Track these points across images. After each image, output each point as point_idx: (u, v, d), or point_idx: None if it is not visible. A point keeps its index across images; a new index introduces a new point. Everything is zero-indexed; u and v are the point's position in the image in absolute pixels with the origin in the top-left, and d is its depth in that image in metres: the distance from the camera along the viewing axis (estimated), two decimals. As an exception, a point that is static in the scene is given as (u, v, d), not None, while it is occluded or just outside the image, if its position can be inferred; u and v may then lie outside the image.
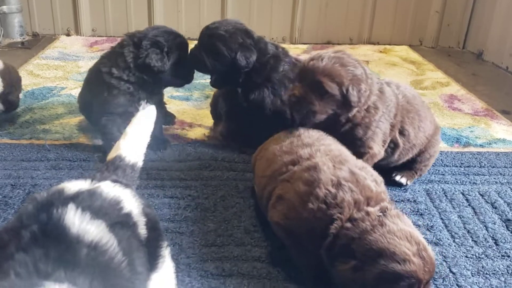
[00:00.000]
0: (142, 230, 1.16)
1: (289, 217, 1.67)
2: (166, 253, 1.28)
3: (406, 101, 2.22)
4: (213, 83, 2.56)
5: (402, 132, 2.21)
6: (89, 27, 4.80)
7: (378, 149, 2.15)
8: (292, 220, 1.66)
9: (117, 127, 2.38)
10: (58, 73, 3.71)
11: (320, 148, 1.82)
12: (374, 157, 2.17)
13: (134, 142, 1.43)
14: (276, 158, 1.87)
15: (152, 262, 1.20)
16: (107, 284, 0.92)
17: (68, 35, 4.77)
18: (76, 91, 3.27)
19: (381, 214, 1.53)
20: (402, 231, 1.48)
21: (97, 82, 2.48)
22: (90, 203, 1.05)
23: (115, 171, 1.34)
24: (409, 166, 2.35)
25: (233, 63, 2.41)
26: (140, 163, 1.44)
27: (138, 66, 2.39)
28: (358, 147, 2.11)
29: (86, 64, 3.85)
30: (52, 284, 0.85)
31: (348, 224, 1.52)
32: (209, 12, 4.78)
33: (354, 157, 1.85)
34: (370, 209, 1.54)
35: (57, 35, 4.74)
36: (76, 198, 1.04)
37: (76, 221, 0.98)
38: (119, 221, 1.08)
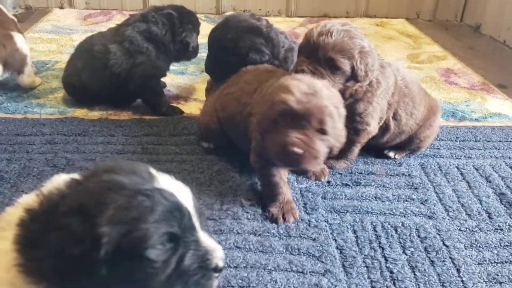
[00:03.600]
0: None
1: None
2: None
3: (404, 84, 2.20)
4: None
5: (394, 116, 2.20)
6: (82, 0, 4.73)
7: (374, 126, 2.15)
8: None
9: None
10: (52, 46, 3.66)
11: None
12: (369, 134, 2.17)
13: None
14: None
15: None
16: None
17: (61, 8, 4.69)
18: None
19: None
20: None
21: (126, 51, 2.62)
22: None
23: None
24: (400, 147, 2.36)
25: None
26: None
27: (175, 41, 2.67)
28: (356, 123, 2.10)
29: (80, 38, 3.78)
30: None
31: None
32: (204, -16, 4.71)
33: None
34: None
35: (50, 8, 4.65)
36: None
37: None
38: None
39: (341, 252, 1.76)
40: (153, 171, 1.15)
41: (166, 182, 1.12)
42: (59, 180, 1.12)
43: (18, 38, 2.81)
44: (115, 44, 2.62)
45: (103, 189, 1.03)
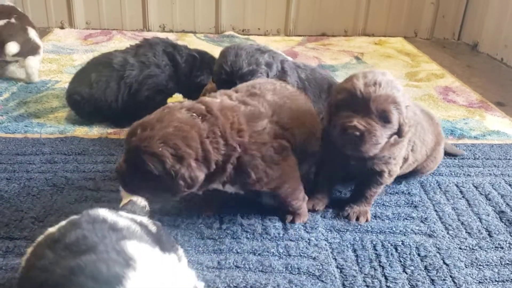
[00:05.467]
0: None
1: None
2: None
3: (414, 111, 2.10)
4: None
5: (412, 148, 2.09)
6: (83, 19, 4.77)
7: (398, 167, 2.05)
8: None
9: None
10: (52, 66, 3.69)
11: None
12: (394, 176, 2.05)
13: None
14: None
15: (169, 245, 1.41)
16: None
17: (62, 28, 4.74)
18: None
19: None
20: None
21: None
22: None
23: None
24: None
25: None
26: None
27: (189, 78, 2.86)
28: (381, 165, 1.97)
29: (80, 57, 3.85)
30: None
31: None
32: (204, 3, 4.77)
33: None
34: None
35: (50, 28, 4.71)
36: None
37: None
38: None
39: (341, 271, 1.75)
40: None
41: None
42: None
43: (31, 31, 3.40)
44: (135, 57, 2.78)
45: None
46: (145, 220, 1.44)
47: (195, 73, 2.87)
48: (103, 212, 1.34)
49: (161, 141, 1.60)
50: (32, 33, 3.41)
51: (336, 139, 1.82)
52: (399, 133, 1.82)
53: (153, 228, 1.41)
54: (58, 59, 3.85)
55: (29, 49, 3.34)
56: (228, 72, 2.23)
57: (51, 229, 1.33)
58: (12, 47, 3.22)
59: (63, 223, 1.33)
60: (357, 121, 1.75)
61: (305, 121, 1.97)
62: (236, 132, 1.73)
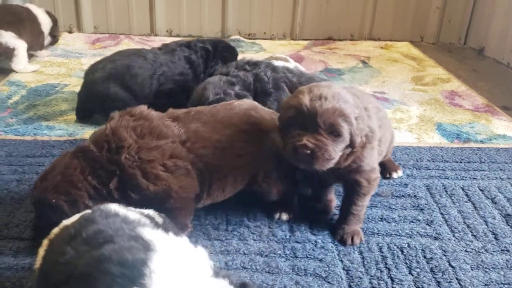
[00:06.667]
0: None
1: None
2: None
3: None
4: None
5: (379, 144, 2.03)
6: (91, 24, 4.82)
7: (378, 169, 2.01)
8: None
9: None
10: (61, 70, 3.73)
11: None
12: (378, 179, 2.00)
13: None
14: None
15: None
16: None
17: (70, 32, 4.78)
18: (79, 88, 3.29)
19: None
20: None
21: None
22: None
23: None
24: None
25: None
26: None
27: (206, 72, 3.01)
28: (364, 174, 1.93)
29: (89, 61, 3.87)
30: None
31: None
32: (210, 8, 4.80)
33: None
34: None
35: (59, 32, 4.75)
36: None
37: None
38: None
39: (347, 273, 1.77)
40: None
41: None
42: None
43: (5, 34, 3.50)
44: (169, 55, 2.98)
45: None
46: (151, 212, 1.51)
47: (210, 64, 3.05)
48: (114, 207, 1.41)
49: (53, 191, 1.72)
50: (6, 36, 3.49)
51: (289, 158, 1.79)
52: (351, 144, 1.77)
53: (159, 220, 1.48)
54: (66, 63, 3.89)
55: (3, 53, 3.52)
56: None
57: (65, 222, 1.40)
58: None
59: (77, 219, 1.38)
60: (307, 139, 1.71)
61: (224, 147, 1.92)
62: (115, 149, 1.77)
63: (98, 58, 3.77)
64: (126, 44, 4.48)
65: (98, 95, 2.77)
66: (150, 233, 1.24)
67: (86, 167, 1.76)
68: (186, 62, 3.00)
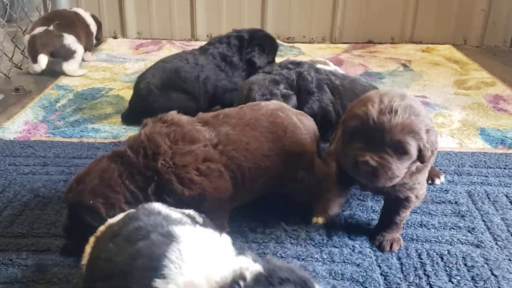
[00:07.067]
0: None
1: None
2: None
3: None
4: None
5: None
6: (134, 30, 4.96)
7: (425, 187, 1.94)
8: None
9: None
10: (106, 74, 3.86)
11: None
12: (421, 197, 1.93)
13: None
14: None
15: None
16: None
17: (115, 37, 4.93)
18: (123, 92, 3.41)
19: None
20: None
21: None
22: None
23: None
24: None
25: None
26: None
27: (242, 60, 3.07)
28: (408, 191, 1.86)
29: (132, 66, 4.00)
30: None
31: None
32: (250, 14, 4.85)
33: None
34: None
35: (104, 38, 4.90)
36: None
37: None
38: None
39: (385, 279, 1.76)
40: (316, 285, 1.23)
41: None
42: (245, 267, 1.18)
43: (68, 37, 3.75)
44: (203, 57, 3.04)
45: None
46: (192, 212, 1.58)
47: (244, 51, 3.07)
48: (158, 206, 1.48)
49: (91, 194, 1.76)
50: (69, 39, 3.73)
51: (349, 170, 1.73)
52: (421, 159, 1.67)
53: (199, 219, 1.55)
54: (111, 67, 4.02)
55: (64, 54, 3.73)
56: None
57: (111, 221, 1.49)
58: (42, 61, 3.58)
59: (122, 217, 1.45)
60: (370, 156, 1.62)
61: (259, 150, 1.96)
62: (151, 156, 1.82)
63: (141, 63, 3.90)
64: (168, 49, 4.59)
65: (156, 104, 2.83)
66: (180, 229, 1.29)
67: (124, 172, 1.80)
68: (220, 58, 3.04)
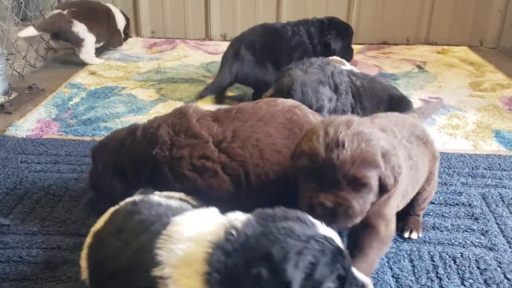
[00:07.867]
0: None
1: None
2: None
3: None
4: None
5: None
6: (148, 29, 4.98)
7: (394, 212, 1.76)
8: None
9: None
10: (119, 73, 3.88)
11: None
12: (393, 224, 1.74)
13: None
14: None
15: None
16: None
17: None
18: (136, 91, 3.42)
19: None
20: None
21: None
22: None
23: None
24: (407, 212, 1.98)
25: None
26: None
27: (320, 43, 3.42)
28: (377, 219, 1.65)
29: (146, 65, 4.02)
30: None
31: None
32: (264, 13, 4.84)
33: None
34: None
35: (130, 32, 4.91)
36: None
37: None
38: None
39: (396, 281, 1.73)
40: (310, 218, 1.26)
41: (323, 228, 1.24)
42: (234, 219, 1.24)
43: (78, 25, 3.93)
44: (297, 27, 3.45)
45: (283, 236, 1.15)
46: (183, 195, 1.68)
47: (323, 34, 3.43)
48: (156, 197, 1.53)
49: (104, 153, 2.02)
50: (79, 27, 3.91)
51: (306, 212, 1.47)
52: (383, 189, 1.51)
53: (194, 202, 1.65)
54: (125, 66, 4.04)
55: (72, 40, 3.97)
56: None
57: (104, 217, 1.53)
58: (26, 31, 3.70)
59: (121, 210, 1.49)
60: (324, 197, 1.46)
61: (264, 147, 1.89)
62: (150, 142, 1.90)
63: (155, 62, 3.91)
64: (182, 48, 4.60)
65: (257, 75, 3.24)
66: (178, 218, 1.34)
67: (132, 147, 1.93)
68: (307, 35, 3.39)
